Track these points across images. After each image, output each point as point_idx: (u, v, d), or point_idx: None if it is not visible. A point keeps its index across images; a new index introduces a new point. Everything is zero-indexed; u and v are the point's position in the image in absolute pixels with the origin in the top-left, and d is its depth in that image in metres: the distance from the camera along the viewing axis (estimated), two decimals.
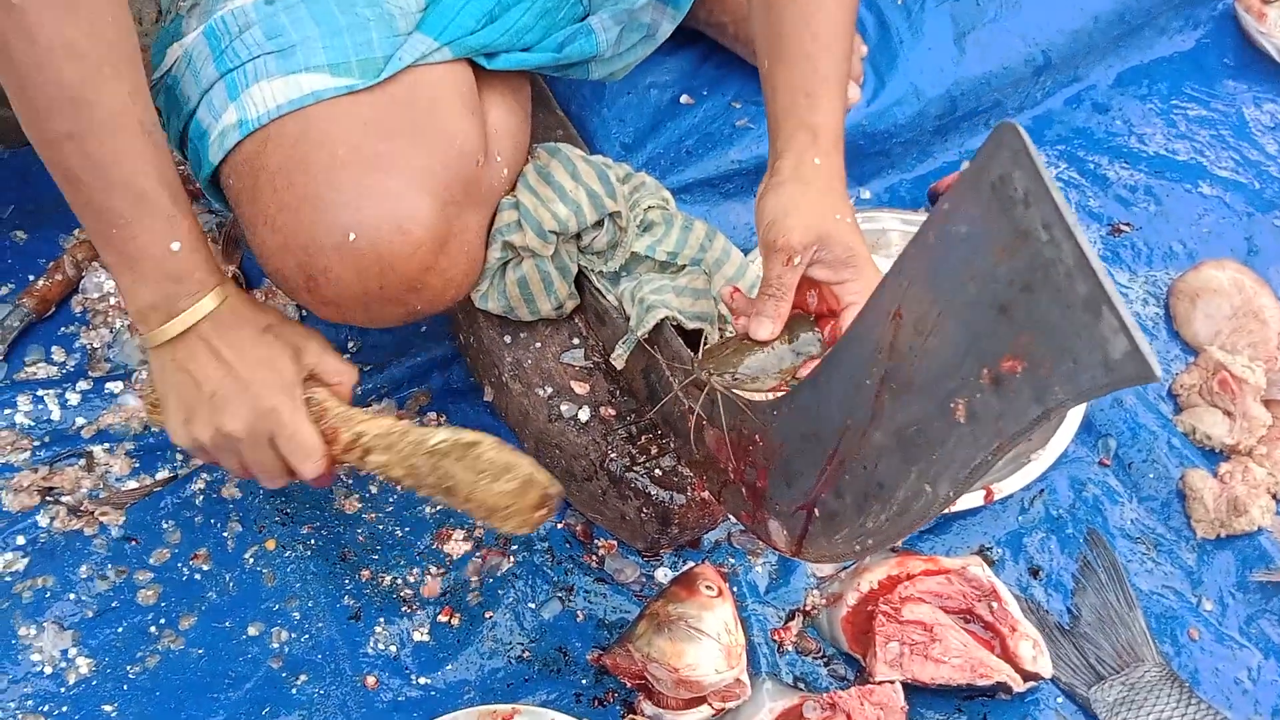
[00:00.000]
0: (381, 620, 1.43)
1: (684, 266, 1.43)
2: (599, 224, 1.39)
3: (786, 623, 1.46)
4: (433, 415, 1.61)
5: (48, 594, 1.42)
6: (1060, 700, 1.42)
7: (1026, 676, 1.39)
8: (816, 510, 1.15)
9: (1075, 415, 1.60)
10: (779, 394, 1.20)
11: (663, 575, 1.49)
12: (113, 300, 1.67)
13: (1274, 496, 1.56)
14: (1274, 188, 1.91)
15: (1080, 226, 0.77)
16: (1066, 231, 0.78)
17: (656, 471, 1.40)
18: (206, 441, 1.25)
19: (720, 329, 1.41)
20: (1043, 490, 1.57)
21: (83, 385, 1.59)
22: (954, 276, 0.88)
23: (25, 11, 1.06)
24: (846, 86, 1.33)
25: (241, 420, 1.23)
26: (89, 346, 1.64)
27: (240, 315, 1.24)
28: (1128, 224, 1.87)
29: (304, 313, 1.69)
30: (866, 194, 1.88)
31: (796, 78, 1.30)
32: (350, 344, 1.67)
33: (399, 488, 1.33)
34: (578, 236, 1.41)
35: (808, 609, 1.47)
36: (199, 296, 1.21)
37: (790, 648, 1.45)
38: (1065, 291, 0.79)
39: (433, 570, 1.48)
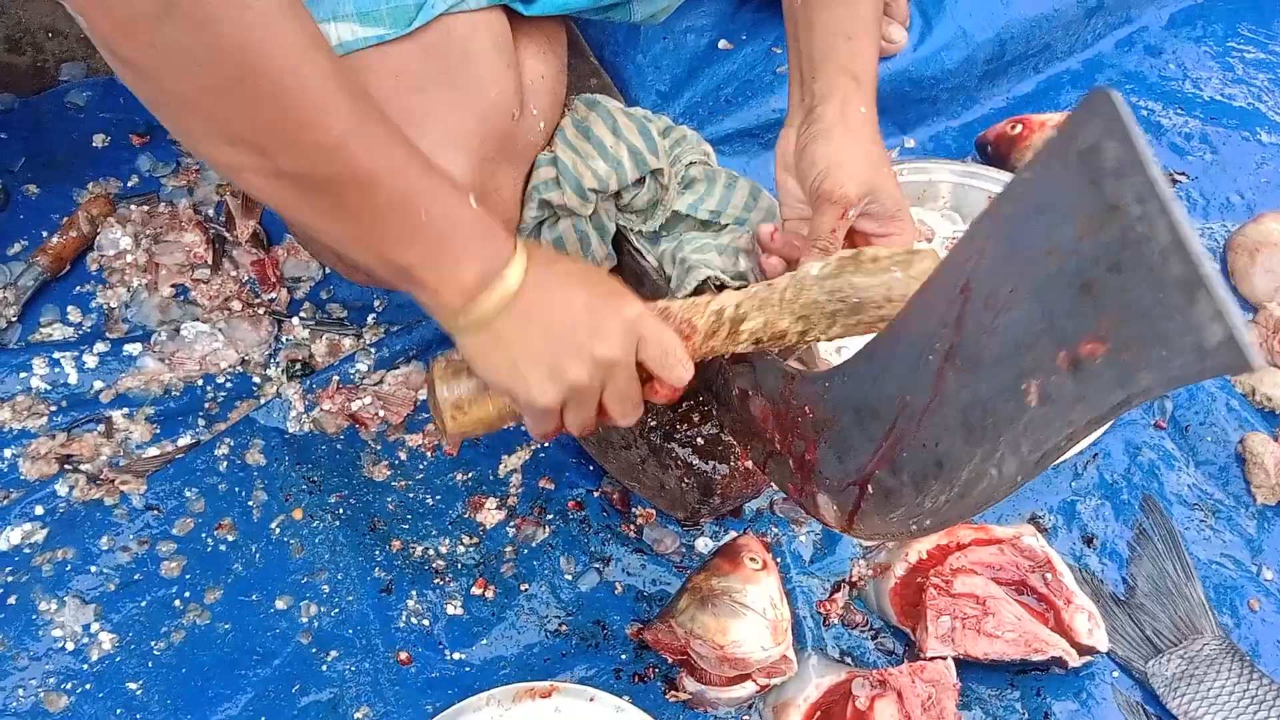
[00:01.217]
0: (414, 593, 1.40)
1: (726, 225, 1.38)
2: (639, 181, 1.34)
3: (832, 595, 1.42)
4: None
5: (68, 567, 1.39)
6: (1116, 675, 1.39)
7: (1082, 650, 1.35)
8: (870, 487, 1.10)
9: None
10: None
11: (703, 545, 1.45)
12: (129, 258, 1.63)
13: None
14: None
15: (1178, 202, 0.71)
16: (1162, 207, 0.72)
17: (698, 440, 1.35)
18: (584, 379, 1.10)
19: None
20: (1097, 455, 1.53)
21: (100, 347, 1.55)
22: (1032, 251, 0.83)
23: (266, 18, 0.92)
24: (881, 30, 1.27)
25: (616, 340, 1.10)
26: (106, 306, 1.60)
27: (549, 253, 1.14)
28: (1183, 174, 1.81)
29: (328, 269, 1.64)
30: (911, 143, 1.83)
31: (836, 19, 1.25)
32: (376, 302, 1.63)
33: (772, 350, 1.21)
34: (617, 195, 1.35)
35: (854, 580, 1.43)
36: (512, 245, 1.08)
37: (836, 621, 1.41)
38: (1158, 271, 0.74)
39: (465, 540, 1.44)
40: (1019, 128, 1.73)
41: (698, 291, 1.31)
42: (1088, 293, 0.80)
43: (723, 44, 1.78)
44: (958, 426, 0.96)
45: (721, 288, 1.31)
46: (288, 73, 0.93)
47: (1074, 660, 1.34)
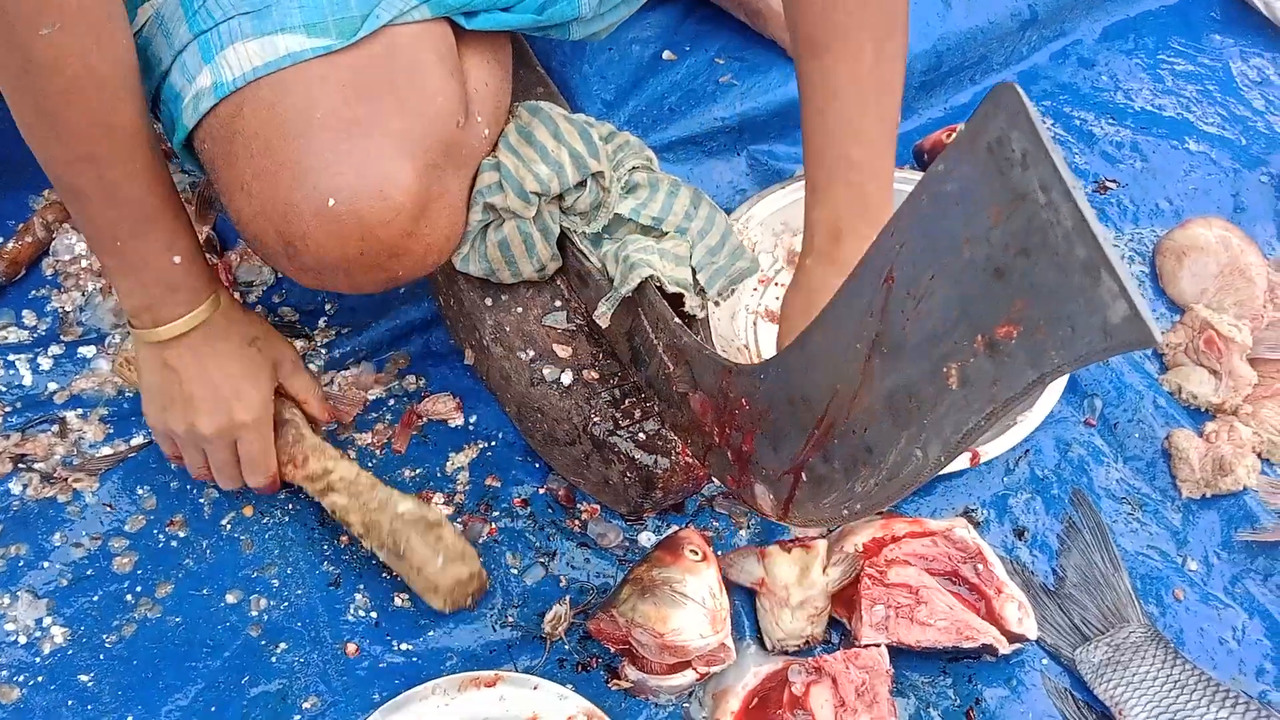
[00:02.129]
0: (361, 587, 1.42)
1: (668, 233, 1.41)
2: (581, 185, 1.37)
3: None
4: (412, 378, 1.60)
5: (21, 563, 1.41)
6: (1045, 662, 1.42)
7: (1012, 638, 1.39)
8: (804, 474, 1.14)
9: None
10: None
11: (646, 539, 1.48)
12: (84, 263, 1.65)
13: (1260, 456, 1.56)
14: (1261, 143, 1.91)
15: (1080, 188, 0.75)
16: (1065, 193, 0.76)
17: (640, 435, 1.39)
18: (180, 432, 1.36)
19: (703, 299, 1.41)
20: (1028, 451, 1.57)
21: (55, 350, 1.57)
22: (948, 239, 0.87)
23: (54, 42, 1.10)
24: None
25: (214, 426, 1.34)
26: (61, 310, 1.62)
27: (229, 326, 1.34)
28: (1114, 181, 1.86)
29: (280, 277, 1.67)
30: None
31: (850, 110, 1.32)
32: (328, 305, 1.66)
33: (347, 530, 1.38)
34: (560, 197, 1.39)
35: None
36: (192, 306, 1.29)
37: None
38: (1063, 255, 0.78)
39: None
40: (954, 136, 1.78)
41: (639, 290, 1.34)
42: (1000, 278, 0.84)
43: (667, 55, 1.82)
44: (885, 412, 1.00)
45: (661, 289, 1.35)
46: (58, 97, 1.14)
47: (1004, 648, 1.38)
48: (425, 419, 1.57)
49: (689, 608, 1.31)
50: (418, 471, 1.52)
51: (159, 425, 1.37)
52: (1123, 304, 0.75)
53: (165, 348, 1.31)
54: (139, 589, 1.40)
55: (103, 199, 1.21)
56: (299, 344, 1.61)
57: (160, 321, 1.29)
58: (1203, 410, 1.61)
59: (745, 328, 1.65)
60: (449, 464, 1.53)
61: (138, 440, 1.51)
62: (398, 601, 1.41)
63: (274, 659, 1.37)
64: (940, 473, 1.47)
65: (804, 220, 1.37)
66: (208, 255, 1.62)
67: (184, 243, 1.27)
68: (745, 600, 1.43)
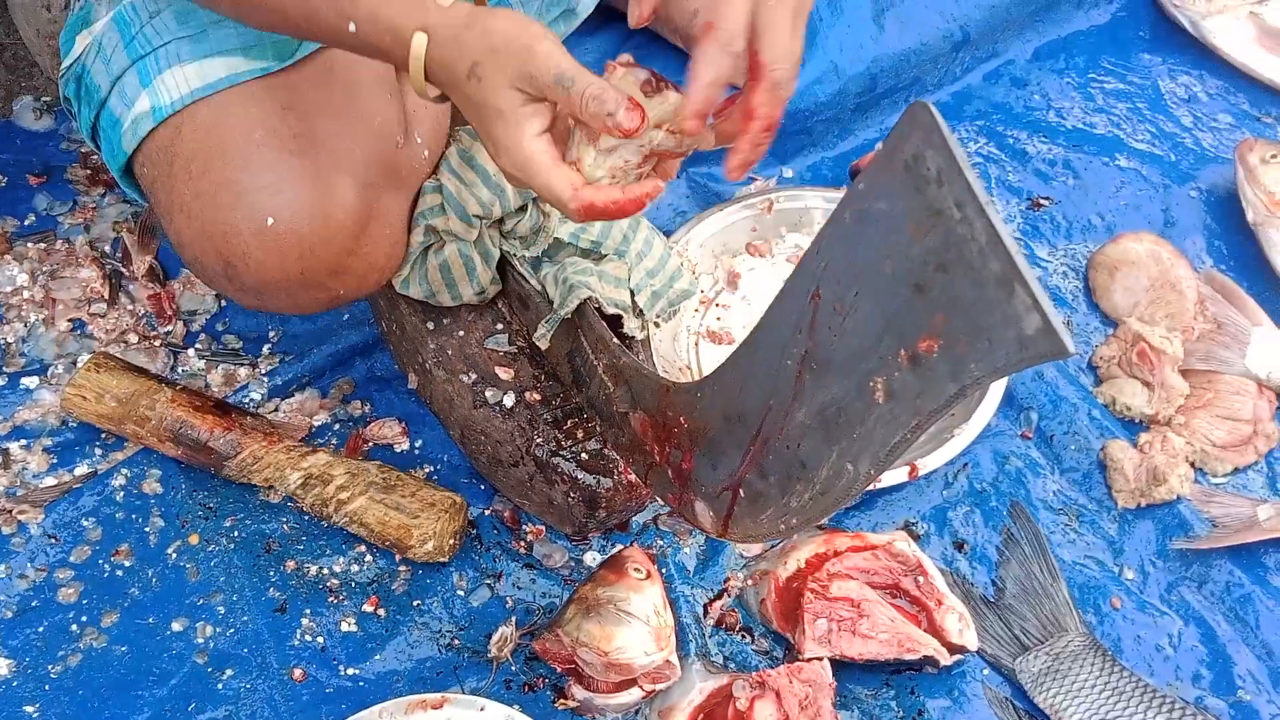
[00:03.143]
0: (308, 612, 1.42)
1: (606, 255, 1.43)
2: (522, 209, 1.39)
3: (713, 601, 1.47)
4: (357, 403, 1.60)
5: None
6: (986, 672, 1.44)
7: (953, 650, 1.41)
8: (741, 491, 1.15)
9: (997, 389, 1.61)
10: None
11: (591, 559, 1.49)
12: (26, 294, 1.65)
13: (1192, 465, 1.59)
14: (1189, 160, 1.94)
15: (993, 205, 0.78)
16: (979, 209, 0.78)
17: (583, 455, 1.40)
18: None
19: (642, 320, 1.42)
20: (966, 464, 1.59)
21: None
22: (870, 256, 0.89)
23: None
24: None
25: (501, 166, 1.09)
26: (3, 341, 1.62)
27: (445, 66, 1.06)
28: (1047, 198, 1.89)
29: (224, 301, 1.67)
30: (789, 172, 1.89)
31: None
32: (271, 333, 1.66)
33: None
34: (501, 221, 1.40)
35: (735, 588, 1.48)
36: (403, 64, 1.08)
37: (714, 623, 1.45)
38: (978, 270, 0.80)
39: (359, 559, 1.47)
40: (873, 155, 1.80)
41: (579, 311, 1.36)
42: (921, 293, 0.86)
43: None
44: (817, 427, 1.02)
45: (600, 311, 1.37)
46: None
47: (945, 659, 1.40)
48: (371, 444, 1.57)
49: (634, 625, 1.32)
50: None
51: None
52: (1036, 316, 0.77)
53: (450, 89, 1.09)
54: (84, 619, 1.40)
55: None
56: (242, 372, 1.61)
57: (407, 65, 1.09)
58: (1137, 421, 1.64)
59: (687, 348, 1.67)
60: None
61: (82, 470, 1.51)
62: (344, 626, 1.42)
63: (220, 686, 1.37)
64: (878, 486, 1.50)
65: None
66: (150, 285, 1.63)
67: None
68: (690, 617, 1.44)
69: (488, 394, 1.44)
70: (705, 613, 1.46)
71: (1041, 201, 1.88)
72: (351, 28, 1.07)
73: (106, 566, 1.44)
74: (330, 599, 1.43)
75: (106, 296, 1.67)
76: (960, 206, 0.79)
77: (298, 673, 1.38)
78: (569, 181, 1.05)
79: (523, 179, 1.06)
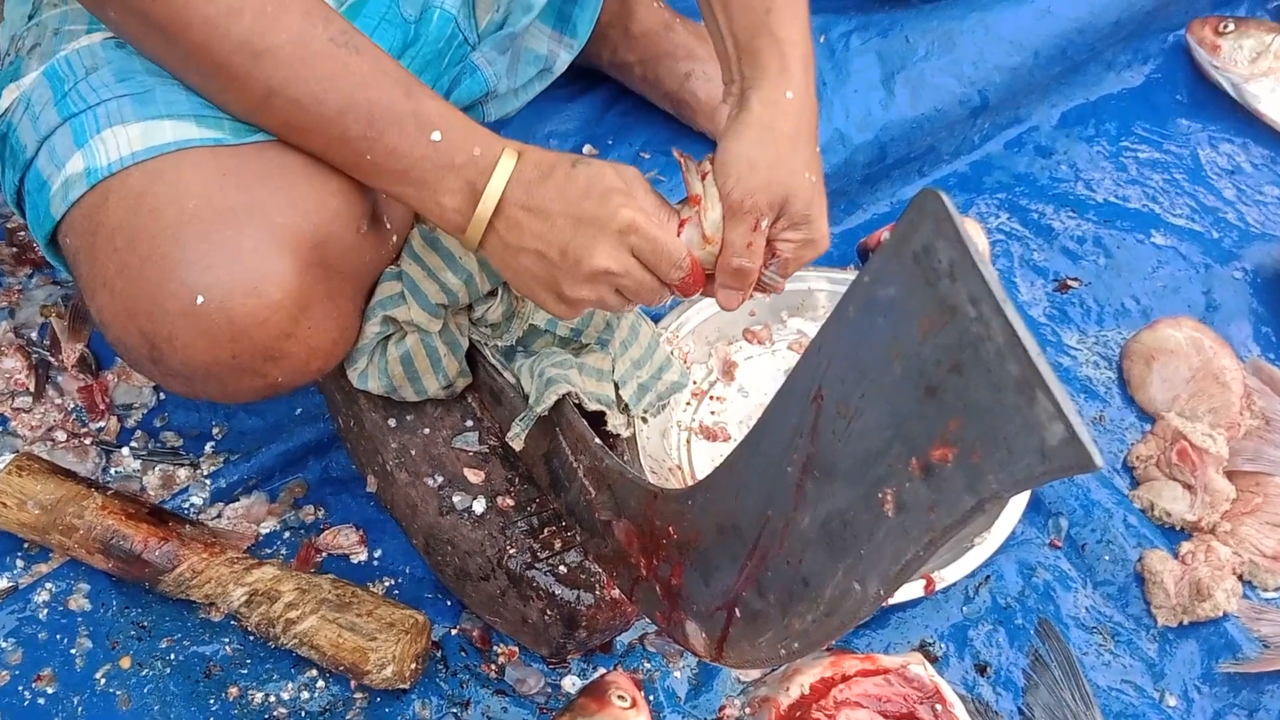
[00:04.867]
0: None
1: (587, 345, 1.44)
2: (492, 293, 1.40)
3: None
4: (309, 508, 1.60)
5: None
6: None
7: None
8: (737, 610, 1.15)
9: (1023, 493, 1.62)
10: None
11: (570, 684, 1.48)
12: None
13: (1240, 578, 1.59)
14: (1233, 236, 1.96)
15: (1010, 302, 0.78)
16: (995, 307, 0.79)
17: (561, 568, 1.40)
18: (589, 295, 1.24)
19: (628, 416, 1.43)
20: (989, 577, 1.59)
21: None
22: (877, 355, 0.89)
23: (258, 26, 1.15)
24: (808, 13, 1.33)
25: (604, 253, 1.21)
26: None
27: (543, 165, 1.23)
28: (1076, 279, 1.90)
29: (163, 394, 1.67)
30: None
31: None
32: (215, 429, 1.66)
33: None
34: (469, 307, 1.41)
35: (732, 717, 1.47)
36: (489, 170, 1.21)
37: None
38: (996, 372, 0.80)
39: (310, 685, 1.46)
40: (879, 244, 1.82)
41: (557, 408, 1.36)
42: (933, 396, 0.86)
43: (588, 149, 1.86)
44: (820, 541, 1.02)
45: (581, 407, 1.37)
46: (201, 44, 1.16)
47: None
48: (325, 554, 1.57)
49: None
50: None
51: (570, 310, 1.27)
52: (1059, 425, 0.78)
53: (500, 232, 1.23)
54: None
55: (316, 123, 1.19)
56: (182, 473, 1.61)
57: (473, 202, 1.22)
58: (1177, 529, 1.64)
59: (678, 446, 1.67)
60: None
61: (1, 584, 1.50)
62: None
63: None
64: (891, 602, 1.50)
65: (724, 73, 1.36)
66: (81, 375, 1.64)
67: (434, 115, 1.21)
68: None
69: (455, 499, 1.44)
70: None
71: (1070, 283, 1.90)
72: (436, 136, 1.19)
73: (27, 694, 1.43)
74: None
75: (32, 389, 1.67)
76: (975, 303, 0.80)
77: None
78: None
79: (638, 222, 1.21)
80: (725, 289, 1.27)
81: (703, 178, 1.26)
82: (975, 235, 1.86)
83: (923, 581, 1.53)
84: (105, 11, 1.20)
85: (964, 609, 1.57)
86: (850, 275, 1.80)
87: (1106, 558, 1.61)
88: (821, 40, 1.94)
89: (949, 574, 1.55)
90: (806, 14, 1.32)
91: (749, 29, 1.30)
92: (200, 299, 1.17)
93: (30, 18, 1.35)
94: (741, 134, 1.26)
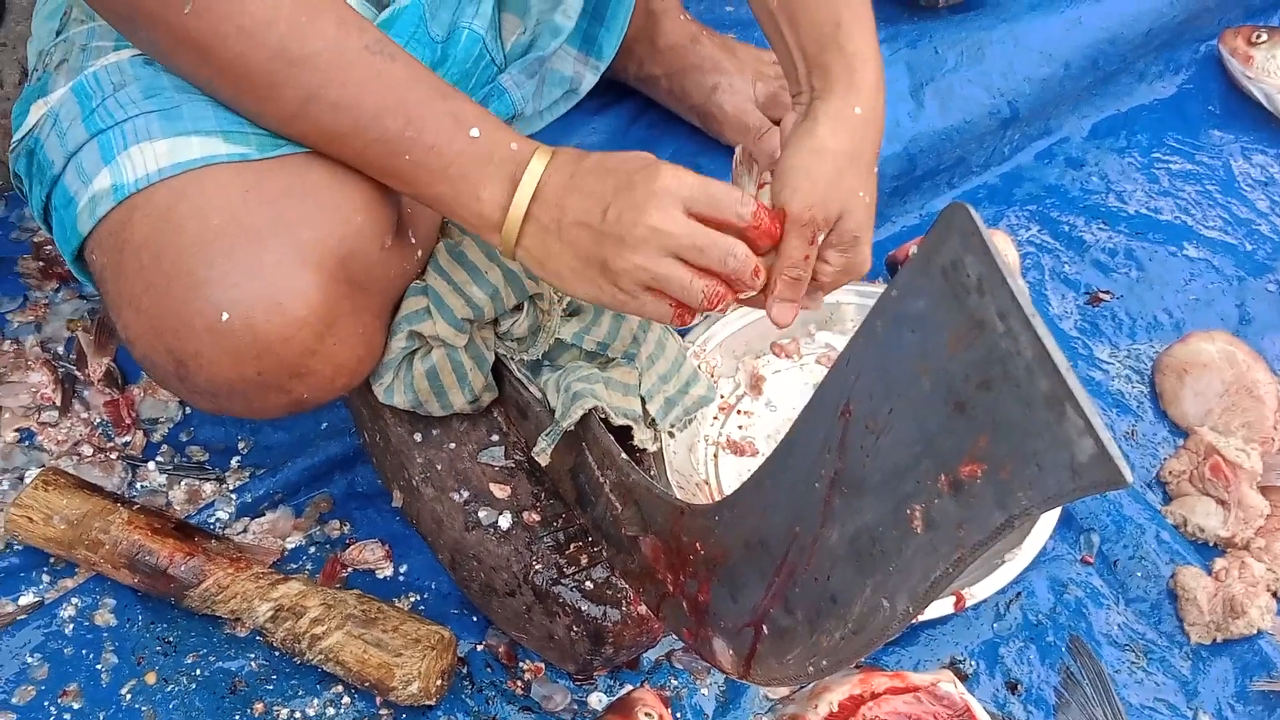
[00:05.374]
0: None
1: (614, 360, 1.44)
2: (519, 308, 1.40)
3: None
4: (335, 523, 1.61)
5: None
6: None
7: None
8: (765, 627, 1.15)
9: (1053, 510, 1.61)
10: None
11: (597, 700, 1.49)
12: None
13: (1274, 594, 1.58)
14: (1267, 248, 1.96)
15: (1039, 316, 0.79)
16: (1024, 322, 0.79)
17: (588, 584, 1.40)
18: (642, 263, 1.19)
19: (654, 431, 1.43)
20: (1020, 593, 1.59)
21: None
22: (905, 370, 0.90)
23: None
24: (874, 28, 1.33)
25: (655, 209, 1.17)
26: None
27: (578, 154, 1.24)
28: (1107, 292, 1.90)
29: (189, 409, 1.69)
30: None
31: (819, 8, 1.31)
32: (240, 444, 1.67)
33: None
34: (495, 321, 1.41)
35: None
36: (526, 161, 1.22)
37: None
38: (1025, 388, 0.81)
39: (336, 701, 1.47)
40: (907, 259, 1.81)
41: (583, 423, 1.37)
42: (962, 411, 0.87)
43: None
44: (848, 557, 1.02)
45: (607, 422, 1.38)
46: (236, 55, 1.17)
47: None
48: (350, 569, 1.58)
49: None
50: None
51: (618, 299, 1.22)
52: (1089, 441, 0.78)
53: (538, 225, 1.22)
54: None
55: (353, 128, 1.20)
56: (207, 488, 1.62)
57: (510, 195, 1.21)
58: (1211, 545, 1.64)
59: (705, 461, 1.68)
60: None
61: (27, 600, 1.52)
62: None
63: None
64: (918, 621, 1.50)
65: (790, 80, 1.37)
66: (107, 390, 1.65)
67: (472, 114, 1.22)
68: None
69: (481, 514, 1.44)
70: None
71: (1101, 296, 1.90)
72: (474, 132, 1.20)
73: (53, 709, 1.44)
74: None
75: (59, 403, 1.69)
76: (1004, 318, 0.81)
77: None
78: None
79: (685, 176, 1.19)
80: (781, 301, 1.25)
81: (760, 187, 1.26)
82: (1005, 248, 1.86)
83: (953, 598, 1.53)
84: (136, 32, 1.21)
85: (995, 626, 1.57)
86: (878, 289, 1.80)
87: (1139, 574, 1.61)
88: None
89: (979, 590, 1.55)
90: (873, 28, 1.32)
91: (818, 42, 1.30)
92: (225, 316, 1.18)
93: (58, 33, 1.37)
94: (804, 145, 1.26)
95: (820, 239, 1.25)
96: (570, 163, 1.22)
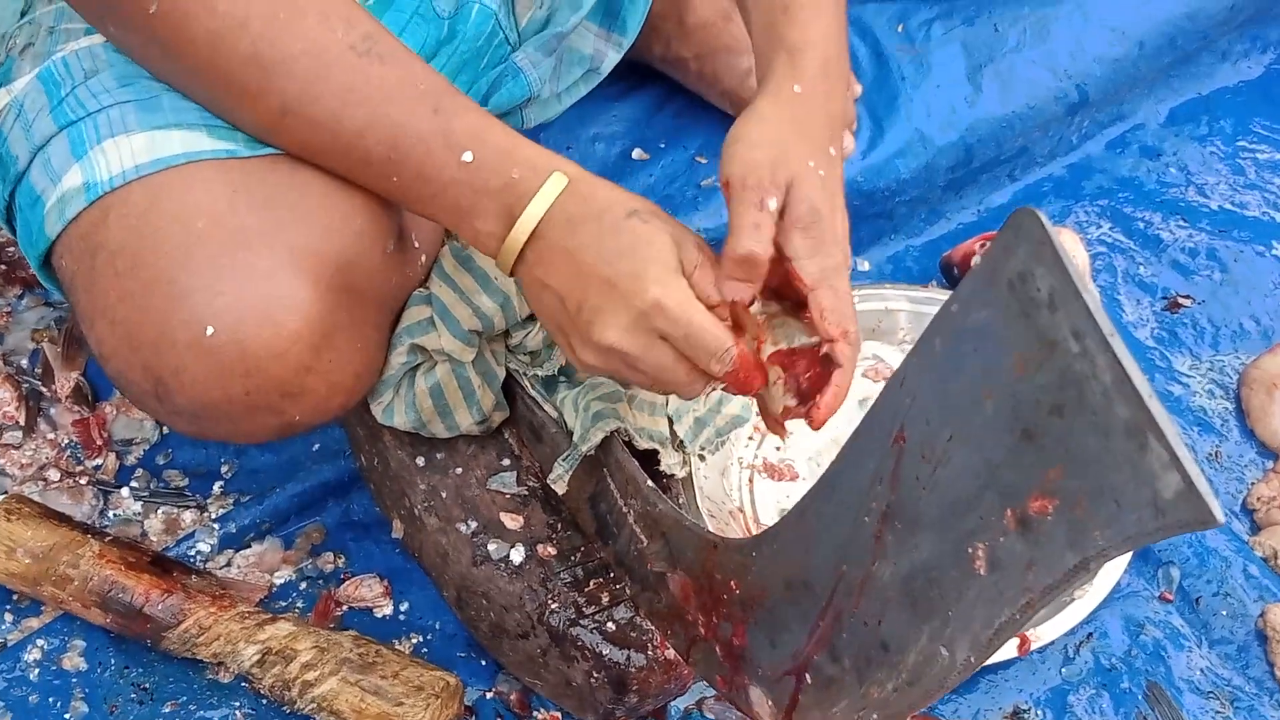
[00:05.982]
0: None
1: None
2: (531, 318, 1.40)
3: None
4: (328, 556, 1.61)
5: None
6: None
7: None
8: (808, 675, 1.15)
9: None
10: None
11: None
12: None
13: None
14: None
15: (1118, 335, 0.77)
16: (1101, 342, 0.78)
17: (609, 625, 1.40)
18: (598, 364, 1.20)
19: (683, 455, 1.42)
20: (1091, 634, 1.58)
21: None
22: (967, 393, 0.89)
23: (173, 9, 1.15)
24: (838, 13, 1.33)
25: (618, 328, 1.16)
26: None
27: (593, 203, 1.19)
28: (1188, 296, 1.89)
29: (166, 434, 1.68)
30: (865, 265, 1.90)
31: None
32: (224, 467, 1.67)
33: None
34: (506, 334, 1.41)
35: None
36: (528, 196, 1.18)
37: None
38: (1102, 415, 0.80)
39: None
40: (970, 269, 1.80)
41: (604, 446, 1.36)
42: (1030, 440, 0.86)
43: (638, 153, 1.86)
44: (901, 600, 1.02)
45: (631, 445, 1.37)
46: (208, 61, 1.16)
47: None
48: (345, 607, 1.57)
49: None
50: None
51: (582, 365, 1.22)
52: (1175, 476, 0.77)
53: (533, 262, 1.20)
54: None
55: (333, 144, 1.19)
56: (187, 516, 1.62)
57: (507, 228, 1.19)
58: None
59: (739, 486, 1.67)
60: None
61: None
62: None
63: None
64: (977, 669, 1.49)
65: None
66: (76, 408, 1.65)
67: (465, 133, 1.19)
68: None
69: (491, 547, 1.44)
70: None
71: (1181, 301, 1.88)
72: (467, 157, 1.17)
73: None
74: None
75: (22, 423, 1.68)
76: (1078, 337, 0.80)
77: None
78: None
79: (668, 304, 1.15)
80: (731, 282, 1.18)
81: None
82: (1073, 248, 1.85)
83: (1016, 640, 1.52)
84: (105, 26, 1.21)
85: (1063, 671, 1.56)
86: (932, 293, 1.79)
87: (1224, 613, 1.60)
88: (899, 30, 1.94)
89: (1046, 632, 1.54)
90: (832, 14, 1.30)
91: (764, 30, 1.31)
92: (210, 330, 1.17)
93: (22, 14, 1.36)
94: (742, 121, 1.23)
95: (771, 206, 1.17)
96: (577, 211, 1.18)
